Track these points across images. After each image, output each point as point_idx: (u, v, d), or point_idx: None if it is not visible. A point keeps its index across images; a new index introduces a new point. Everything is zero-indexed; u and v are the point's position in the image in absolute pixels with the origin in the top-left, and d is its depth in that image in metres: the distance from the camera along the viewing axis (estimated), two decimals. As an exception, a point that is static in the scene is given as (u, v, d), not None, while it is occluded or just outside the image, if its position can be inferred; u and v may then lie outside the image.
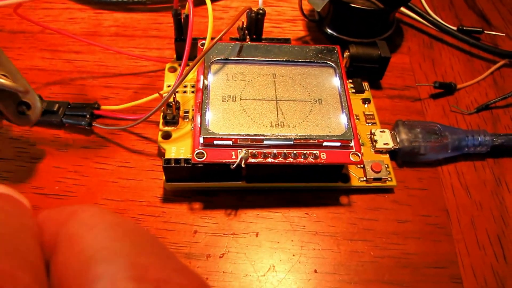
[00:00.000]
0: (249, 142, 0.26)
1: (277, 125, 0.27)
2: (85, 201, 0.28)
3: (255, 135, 0.26)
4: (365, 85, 0.34)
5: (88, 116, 0.31)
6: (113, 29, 0.39)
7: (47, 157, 0.30)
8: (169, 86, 0.33)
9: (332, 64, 0.30)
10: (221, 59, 0.30)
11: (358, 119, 0.32)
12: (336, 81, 0.29)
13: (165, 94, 0.28)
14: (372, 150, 0.31)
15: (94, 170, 0.30)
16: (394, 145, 0.30)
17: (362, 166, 0.30)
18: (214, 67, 0.29)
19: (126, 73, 0.35)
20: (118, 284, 0.10)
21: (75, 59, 0.36)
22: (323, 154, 0.26)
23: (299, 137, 0.26)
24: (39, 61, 0.36)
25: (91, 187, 0.29)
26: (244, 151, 0.26)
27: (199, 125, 0.26)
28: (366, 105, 0.33)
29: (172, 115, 0.30)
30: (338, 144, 0.27)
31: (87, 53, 0.37)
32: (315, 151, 0.26)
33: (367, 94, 0.34)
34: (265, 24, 0.38)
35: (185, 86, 0.32)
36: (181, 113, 0.31)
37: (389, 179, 0.29)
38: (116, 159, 0.30)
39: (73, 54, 0.36)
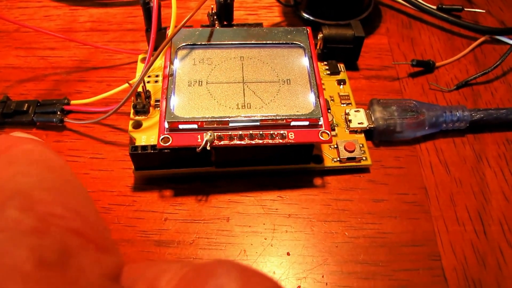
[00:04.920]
0: (215, 125, 0.26)
1: (243, 107, 0.26)
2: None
3: (221, 117, 0.26)
4: (341, 66, 0.34)
5: (58, 112, 0.31)
6: (88, 25, 0.39)
7: (19, 152, 0.30)
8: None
9: (302, 45, 0.30)
10: (188, 44, 0.29)
11: (333, 100, 0.32)
12: (305, 61, 0.29)
13: (135, 84, 0.28)
14: (346, 130, 0.30)
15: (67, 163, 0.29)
16: (369, 124, 0.30)
17: (335, 146, 0.29)
18: (181, 53, 0.29)
19: (100, 67, 0.35)
20: (6, 211, 0.11)
21: (49, 56, 0.36)
22: (291, 134, 0.26)
23: (265, 118, 0.26)
24: (13, 59, 0.36)
25: (62, 180, 0.28)
26: (209, 134, 0.25)
27: (164, 110, 0.26)
28: (341, 86, 0.32)
29: (142, 104, 0.30)
30: (306, 123, 0.26)
31: (61, 49, 0.36)
32: (283, 131, 0.26)
33: (342, 75, 0.33)
34: (240, 12, 0.38)
35: (157, 76, 0.32)
36: (152, 102, 0.30)
37: (364, 158, 0.29)
38: (88, 151, 0.30)
39: (47, 51, 0.36)
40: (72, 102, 0.32)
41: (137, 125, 0.29)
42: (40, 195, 0.12)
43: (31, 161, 0.13)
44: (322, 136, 0.26)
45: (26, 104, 0.31)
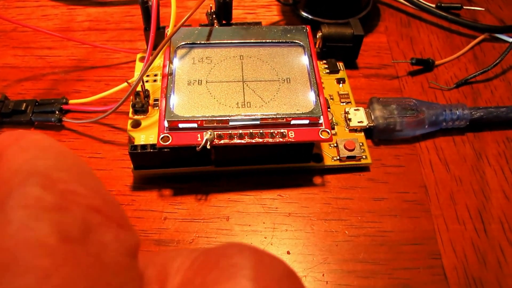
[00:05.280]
0: (215, 124, 0.26)
1: (243, 106, 0.26)
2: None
3: (221, 116, 0.25)
4: (340, 65, 0.34)
5: (57, 112, 0.31)
6: (86, 24, 0.38)
7: (17, 152, 0.30)
8: (139, 75, 0.32)
9: (301, 43, 0.29)
10: (187, 43, 0.29)
11: (332, 99, 0.31)
12: (305, 60, 0.29)
13: (134, 83, 0.28)
14: (346, 129, 0.30)
15: (65, 162, 0.29)
16: (369, 122, 0.30)
17: (335, 145, 0.29)
18: (180, 52, 0.29)
19: (98, 66, 0.35)
20: (27, 189, 0.11)
21: (47, 55, 0.36)
22: (291, 133, 0.26)
23: (265, 116, 0.26)
24: (11, 59, 0.35)
25: (61, 180, 0.28)
26: (209, 133, 0.25)
27: (163, 109, 0.26)
28: (340, 85, 0.32)
29: (141, 104, 0.29)
30: (307, 121, 0.26)
31: (59, 49, 0.36)
32: (283, 130, 0.26)
33: (341, 74, 0.33)
34: (239, 11, 0.38)
35: (155, 75, 0.32)
36: (151, 101, 0.30)
37: (364, 157, 0.28)
38: (87, 150, 0.30)
39: (45, 50, 0.36)
40: (71, 101, 0.31)
41: (136, 124, 0.29)
42: (59, 175, 0.12)
43: (43, 147, 0.13)
44: (322, 135, 0.26)
45: (24, 104, 0.31)
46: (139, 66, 0.33)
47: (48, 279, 0.10)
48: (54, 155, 0.13)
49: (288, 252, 0.25)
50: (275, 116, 0.26)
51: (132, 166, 0.28)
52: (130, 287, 0.12)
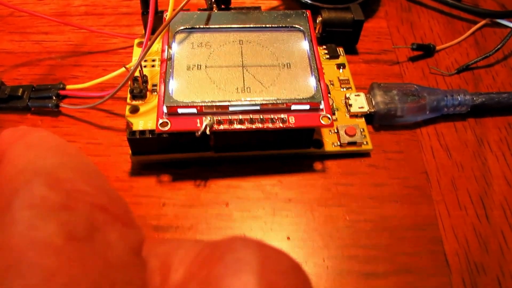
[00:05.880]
0: (214, 110, 0.25)
1: (243, 91, 0.26)
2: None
3: (220, 101, 0.25)
4: (340, 50, 0.33)
5: (54, 97, 0.30)
6: (83, 9, 0.38)
7: (14, 138, 0.29)
8: (137, 60, 0.32)
9: (301, 28, 0.29)
10: (186, 28, 0.29)
11: (333, 84, 0.31)
12: (305, 45, 0.28)
13: (132, 68, 0.27)
14: (347, 114, 0.30)
15: (63, 149, 0.29)
16: (370, 108, 0.29)
17: (335, 131, 0.29)
18: (178, 36, 0.29)
19: (95, 51, 0.34)
20: (32, 189, 0.11)
21: (44, 40, 0.35)
22: (291, 118, 0.25)
23: (265, 102, 0.25)
24: (7, 44, 0.35)
25: (59, 166, 0.28)
26: (209, 118, 0.25)
27: (162, 95, 0.26)
28: (341, 70, 0.32)
29: (139, 89, 0.29)
30: (307, 107, 0.26)
31: (56, 34, 0.36)
32: (283, 115, 0.25)
33: (341, 59, 0.33)
34: (238, -5, 0.37)
35: (154, 60, 0.31)
36: (149, 86, 0.30)
37: (365, 143, 0.28)
38: (84, 136, 0.29)
39: (42, 35, 0.36)
40: (68, 87, 0.31)
41: (134, 110, 0.29)
42: (65, 174, 0.12)
43: (48, 146, 0.13)
44: (323, 120, 0.26)
45: (21, 89, 0.30)
46: (137, 51, 0.33)
47: (53, 278, 0.10)
48: (59, 154, 0.13)
49: (288, 238, 0.25)
50: (275, 102, 0.25)
51: (130, 152, 0.27)
52: (135, 284, 0.12)
